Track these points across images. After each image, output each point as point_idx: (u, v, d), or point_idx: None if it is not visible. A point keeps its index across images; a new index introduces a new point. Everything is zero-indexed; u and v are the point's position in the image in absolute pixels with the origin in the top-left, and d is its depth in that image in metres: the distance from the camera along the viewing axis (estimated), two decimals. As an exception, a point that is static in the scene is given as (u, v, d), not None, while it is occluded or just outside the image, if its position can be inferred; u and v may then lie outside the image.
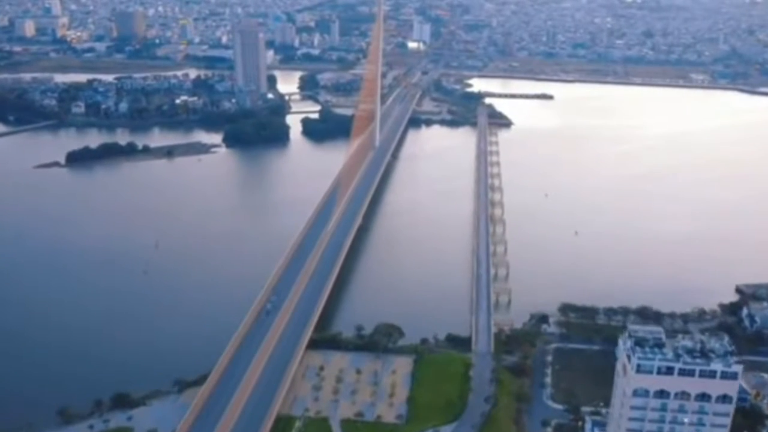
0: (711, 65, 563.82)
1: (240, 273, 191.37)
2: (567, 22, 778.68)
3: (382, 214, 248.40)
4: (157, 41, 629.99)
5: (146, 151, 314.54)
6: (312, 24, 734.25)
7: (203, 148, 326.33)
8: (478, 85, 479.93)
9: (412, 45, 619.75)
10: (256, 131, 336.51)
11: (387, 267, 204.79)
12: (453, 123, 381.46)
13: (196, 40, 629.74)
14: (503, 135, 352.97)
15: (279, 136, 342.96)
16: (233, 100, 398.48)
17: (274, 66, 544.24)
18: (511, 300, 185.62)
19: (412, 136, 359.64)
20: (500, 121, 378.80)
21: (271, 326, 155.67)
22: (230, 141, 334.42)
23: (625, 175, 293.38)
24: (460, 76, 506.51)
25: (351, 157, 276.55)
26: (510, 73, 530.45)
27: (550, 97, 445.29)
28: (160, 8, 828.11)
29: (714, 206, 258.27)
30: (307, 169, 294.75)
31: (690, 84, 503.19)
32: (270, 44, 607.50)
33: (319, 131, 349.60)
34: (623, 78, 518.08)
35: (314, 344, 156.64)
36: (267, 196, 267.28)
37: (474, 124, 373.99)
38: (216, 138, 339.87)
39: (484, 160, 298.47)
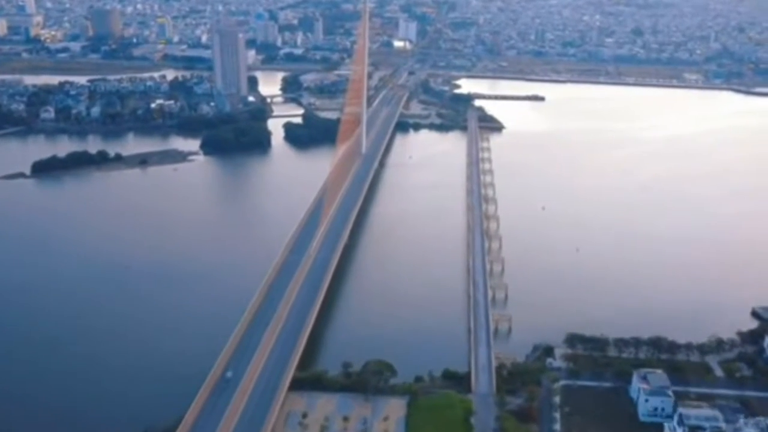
0: (704, 64, 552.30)
1: (220, 297, 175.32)
2: (555, 19, 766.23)
3: (370, 230, 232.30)
4: (134, 40, 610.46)
5: (118, 159, 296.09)
6: (295, 22, 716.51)
7: (179, 156, 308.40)
8: (466, 86, 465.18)
9: (398, 44, 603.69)
10: (236, 138, 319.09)
11: (376, 291, 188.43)
12: (442, 127, 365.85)
13: (175, 39, 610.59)
14: (495, 140, 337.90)
15: (260, 143, 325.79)
16: (212, 104, 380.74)
17: (256, 66, 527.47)
18: (512, 328, 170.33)
19: (400, 141, 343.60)
20: (491, 124, 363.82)
21: (249, 365, 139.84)
22: (208, 148, 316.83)
23: (626, 184, 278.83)
24: (448, 76, 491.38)
25: (336, 166, 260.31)
26: (499, 74, 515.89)
27: (542, 99, 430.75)
28: (139, 6, 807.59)
29: (721, 219, 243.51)
30: (290, 179, 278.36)
31: (684, 84, 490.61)
32: (251, 43, 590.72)
33: (302, 137, 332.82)
34: (616, 78, 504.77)
35: (297, 385, 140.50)
36: (245, 211, 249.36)
37: (464, 128, 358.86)
38: (194, 144, 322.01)
39: (476, 169, 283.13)
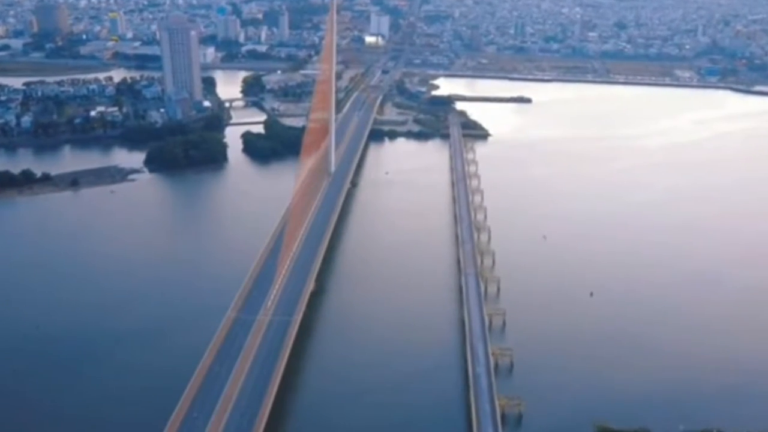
0: (694, 60, 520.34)
1: (154, 372, 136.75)
2: (534, 12, 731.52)
3: (340, 271, 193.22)
4: (84, 37, 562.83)
5: (46, 180, 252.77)
6: (260, 16, 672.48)
7: (119, 175, 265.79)
8: (445, 86, 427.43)
9: (369, 40, 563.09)
10: (185, 151, 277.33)
11: (348, 359, 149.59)
12: (421, 135, 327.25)
13: (129, 35, 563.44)
14: (480, 149, 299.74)
15: (214, 157, 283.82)
16: (162, 110, 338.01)
17: (215, 65, 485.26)
18: (523, 413, 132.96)
19: (375, 153, 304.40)
20: (475, 132, 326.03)
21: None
22: (154, 164, 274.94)
23: (636, 203, 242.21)
24: (425, 75, 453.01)
25: (299, 191, 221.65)
26: (480, 72, 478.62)
27: (528, 101, 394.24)
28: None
29: (750, 249, 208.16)
30: (246, 203, 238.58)
31: (678, 83, 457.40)
32: (211, 40, 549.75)
33: (263, 149, 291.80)
34: (604, 76, 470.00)
35: None
36: (190, 248, 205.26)
37: (445, 137, 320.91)
38: (139, 159, 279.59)
39: (463, 188, 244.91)
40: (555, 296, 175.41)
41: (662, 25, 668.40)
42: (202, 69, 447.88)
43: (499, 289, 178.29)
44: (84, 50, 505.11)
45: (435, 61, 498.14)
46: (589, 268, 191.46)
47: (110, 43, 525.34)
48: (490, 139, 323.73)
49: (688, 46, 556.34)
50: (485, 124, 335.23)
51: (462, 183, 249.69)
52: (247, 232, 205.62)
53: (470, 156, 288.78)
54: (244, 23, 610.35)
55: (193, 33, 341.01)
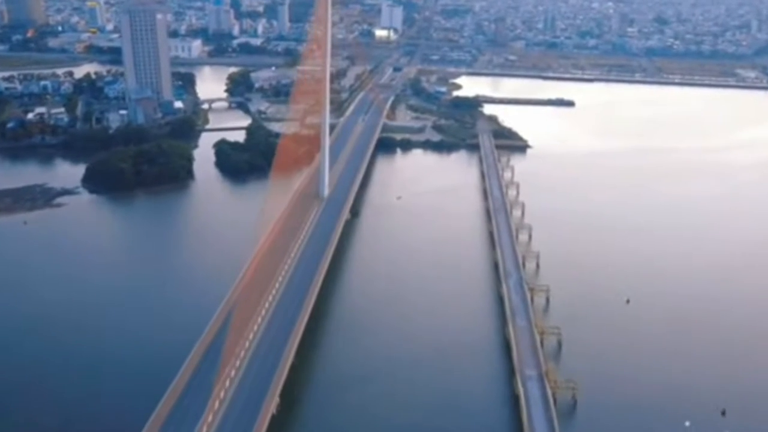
0: (755, 58, 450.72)
1: None
2: (561, 7, 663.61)
3: (329, 343, 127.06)
4: (60, 29, 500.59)
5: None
6: (260, 9, 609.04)
7: (43, 198, 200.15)
8: (468, 86, 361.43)
9: (380, 33, 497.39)
10: (136, 166, 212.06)
11: None
12: (442, 146, 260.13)
13: (109, 27, 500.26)
14: (520, 165, 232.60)
15: (175, 173, 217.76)
16: (124, 112, 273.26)
17: (202, 60, 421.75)
18: None
19: (383, 169, 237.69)
20: (511, 142, 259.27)
21: None
22: (93, 182, 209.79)
23: (745, 242, 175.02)
24: (444, 73, 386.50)
25: (281, 222, 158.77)
26: (507, 70, 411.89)
27: (570, 104, 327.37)
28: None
29: None
30: (205, 243, 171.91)
31: (744, 83, 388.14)
32: (203, 33, 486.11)
33: (238, 163, 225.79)
34: (656, 76, 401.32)
35: None
36: (118, 315, 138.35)
37: (473, 148, 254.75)
38: (80, 175, 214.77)
39: (504, 223, 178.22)
40: (654, 402, 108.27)
41: (707, 21, 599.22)
42: (186, 64, 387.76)
43: (575, 401, 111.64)
44: (53, 43, 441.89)
45: (455, 57, 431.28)
46: (697, 347, 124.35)
47: (85, 35, 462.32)
48: (529, 151, 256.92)
49: (744, 43, 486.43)
50: (522, 133, 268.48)
51: (502, 215, 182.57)
52: (204, 284, 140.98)
53: (508, 174, 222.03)
54: (241, 15, 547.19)
55: (159, 17, 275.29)
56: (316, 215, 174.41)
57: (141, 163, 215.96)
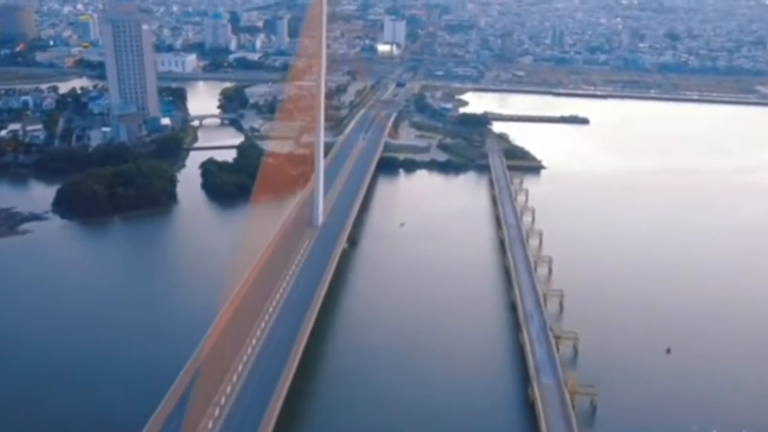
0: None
1: None
2: (569, 23, 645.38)
3: (322, 405, 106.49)
4: (51, 43, 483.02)
5: None
6: (260, 24, 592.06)
7: (6, 224, 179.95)
8: (475, 102, 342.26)
9: (382, 48, 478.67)
10: (110, 188, 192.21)
11: None
12: (449, 166, 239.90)
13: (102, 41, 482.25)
14: (534, 188, 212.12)
15: (156, 196, 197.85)
16: (107, 129, 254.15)
17: (197, 75, 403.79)
18: None
19: (385, 192, 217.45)
20: (524, 162, 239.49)
21: None
22: (65, 207, 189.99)
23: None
24: (449, 89, 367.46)
25: (267, 253, 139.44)
26: (516, 86, 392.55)
27: (585, 121, 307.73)
28: (80, 6, 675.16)
29: None
30: (185, 277, 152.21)
31: (767, 100, 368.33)
32: (199, 47, 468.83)
33: (226, 185, 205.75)
34: (672, 92, 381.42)
35: None
36: (88, 369, 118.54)
37: (482, 168, 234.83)
38: (50, 198, 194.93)
39: (521, 255, 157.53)
40: None
41: (719, 36, 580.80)
42: (179, 79, 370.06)
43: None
44: (41, 57, 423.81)
45: (461, 73, 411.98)
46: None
47: (76, 50, 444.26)
48: (543, 172, 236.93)
49: (761, 59, 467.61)
50: (535, 152, 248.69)
51: (518, 247, 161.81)
52: (181, 329, 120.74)
53: (521, 198, 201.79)
54: (239, 30, 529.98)
55: (145, 27, 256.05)
56: (308, 246, 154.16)
57: (117, 185, 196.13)
